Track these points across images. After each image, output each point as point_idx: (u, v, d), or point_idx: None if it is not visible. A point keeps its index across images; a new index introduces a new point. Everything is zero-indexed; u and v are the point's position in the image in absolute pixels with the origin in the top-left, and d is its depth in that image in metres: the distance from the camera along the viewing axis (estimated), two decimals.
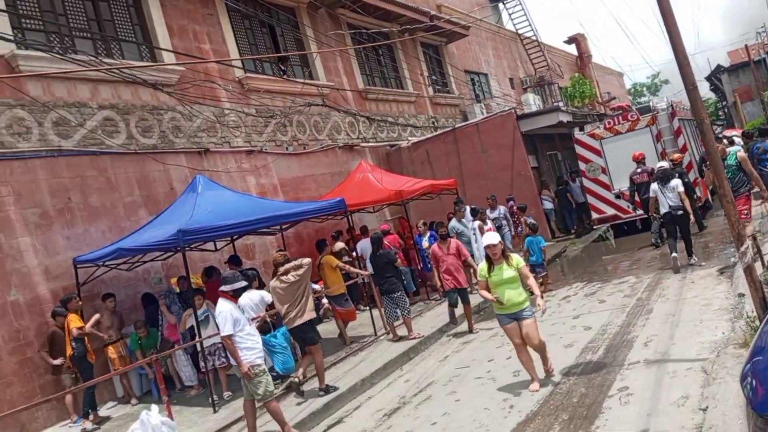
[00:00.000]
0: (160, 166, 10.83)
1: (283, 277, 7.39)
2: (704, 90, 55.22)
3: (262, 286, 8.77)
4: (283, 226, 10.91)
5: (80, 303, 8.49)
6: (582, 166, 15.87)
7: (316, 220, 11.64)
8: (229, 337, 6.03)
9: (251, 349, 6.13)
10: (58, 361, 8.26)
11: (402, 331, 9.26)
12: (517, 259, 6.13)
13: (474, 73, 23.71)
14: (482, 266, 6.20)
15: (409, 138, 17.88)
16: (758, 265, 6.75)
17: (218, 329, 6.44)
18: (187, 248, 8.17)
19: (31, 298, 8.68)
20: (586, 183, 15.77)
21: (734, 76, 45.04)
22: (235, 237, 10.56)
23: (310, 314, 7.36)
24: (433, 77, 20.79)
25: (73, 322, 8.09)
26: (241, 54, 13.21)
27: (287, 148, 13.78)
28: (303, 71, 15.00)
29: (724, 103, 49.98)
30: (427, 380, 7.31)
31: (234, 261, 10.07)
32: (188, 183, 9.78)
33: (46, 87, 9.48)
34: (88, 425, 8.05)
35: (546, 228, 16.61)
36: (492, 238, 6.10)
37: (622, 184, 14.45)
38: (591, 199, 15.74)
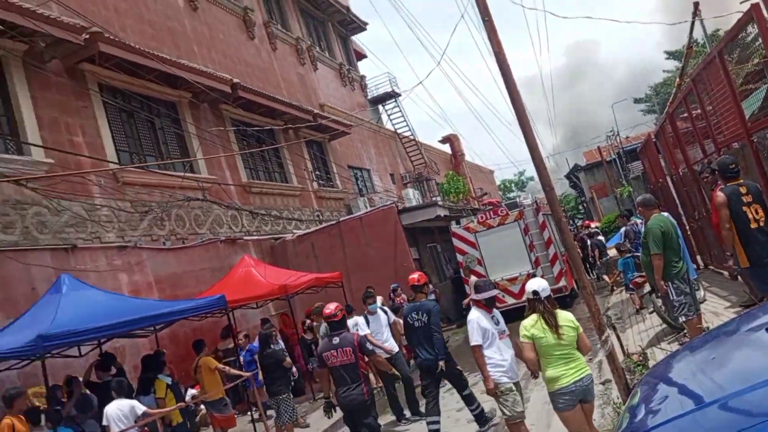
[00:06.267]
0: (20, 265, 9.99)
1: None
2: (566, 186, 60.66)
3: (131, 393, 8.12)
4: (157, 327, 10.29)
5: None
6: (459, 257, 16.60)
7: (195, 319, 11.11)
8: (478, 347, 5.80)
9: (497, 366, 5.82)
10: None
11: None
12: None
13: (357, 168, 24.53)
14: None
15: (294, 231, 17.88)
16: (619, 353, 7.26)
17: None
18: (48, 355, 7.46)
19: None
20: (464, 274, 16.43)
21: (590, 174, 50.17)
22: (102, 340, 9.79)
23: None
24: (318, 172, 21.25)
25: None
26: (117, 147, 12.83)
27: (164, 243, 13.25)
28: (183, 165, 14.75)
29: (583, 198, 55.00)
30: None
31: (106, 360, 9.39)
32: (52, 283, 9.08)
33: None
34: None
35: None
36: None
37: (497, 275, 15.25)
38: (468, 289, 16.37)
